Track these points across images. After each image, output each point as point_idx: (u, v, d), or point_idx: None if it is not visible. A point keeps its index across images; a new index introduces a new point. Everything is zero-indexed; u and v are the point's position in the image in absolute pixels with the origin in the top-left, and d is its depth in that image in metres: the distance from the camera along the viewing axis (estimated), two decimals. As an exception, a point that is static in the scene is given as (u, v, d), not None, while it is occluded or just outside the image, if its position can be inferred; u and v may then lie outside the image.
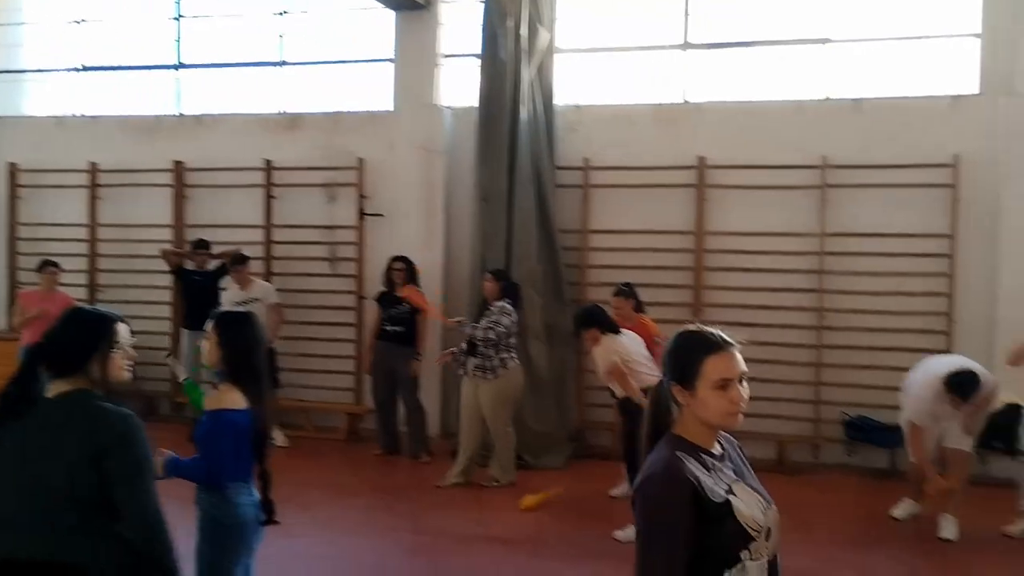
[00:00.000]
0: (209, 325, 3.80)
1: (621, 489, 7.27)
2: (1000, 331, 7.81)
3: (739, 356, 2.30)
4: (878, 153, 8.35)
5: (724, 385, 2.25)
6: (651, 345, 7.07)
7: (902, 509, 6.95)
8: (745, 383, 2.31)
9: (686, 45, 9.18)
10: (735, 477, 2.31)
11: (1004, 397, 6.65)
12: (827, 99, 8.74)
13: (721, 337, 2.32)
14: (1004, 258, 8.10)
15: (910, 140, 8.32)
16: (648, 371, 6.54)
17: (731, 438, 2.46)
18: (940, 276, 8.25)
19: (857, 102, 8.57)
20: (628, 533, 5.98)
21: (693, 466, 2.23)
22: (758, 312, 8.49)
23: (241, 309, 5.48)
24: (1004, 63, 8.20)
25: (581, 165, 9.15)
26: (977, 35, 8.36)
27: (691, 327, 2.39)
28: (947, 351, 7.79)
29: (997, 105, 8.15)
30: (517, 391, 7.86)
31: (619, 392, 6.66)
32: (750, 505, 2.26)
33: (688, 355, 2.30)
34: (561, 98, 9.29)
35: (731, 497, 2.22)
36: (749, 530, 2.19)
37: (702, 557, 2.17)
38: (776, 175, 8.59)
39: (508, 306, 7.72)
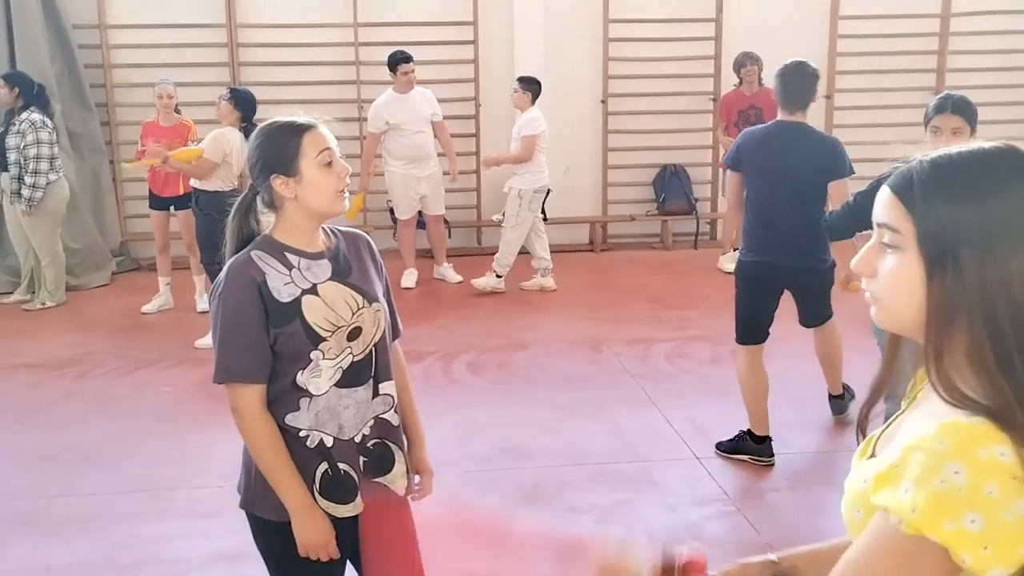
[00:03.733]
0: None
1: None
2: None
3: (328, 131, 2.24)
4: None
5: (329, 160, 2.18)
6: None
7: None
8: (343, 159, 2.26)
9: None
10: (329, 276, 2.22)
11: None
12: None
13: (306, 117, 2.23)
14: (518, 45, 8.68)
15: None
16: None
17: (361, 236, 2.39)
18: (466, 63, 8.71)
19: None
20: (206, 340, 5.70)
21: (268, 265, 2.16)
22: (300, 108, 8.31)
23: None
24: None
25: (89, -50, 8.18)
26: None
27: (268, 120, 2.26)
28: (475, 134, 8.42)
29: None
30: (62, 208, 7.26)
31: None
32: (334, 304, 2.19)
33: (282, 140, 2.17)
34: None
35: (306, 297, 2.16)
36: (318, 329, 2.16)
37: (278, 357, 2.16)
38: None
39: (38, 116, 6.97)
